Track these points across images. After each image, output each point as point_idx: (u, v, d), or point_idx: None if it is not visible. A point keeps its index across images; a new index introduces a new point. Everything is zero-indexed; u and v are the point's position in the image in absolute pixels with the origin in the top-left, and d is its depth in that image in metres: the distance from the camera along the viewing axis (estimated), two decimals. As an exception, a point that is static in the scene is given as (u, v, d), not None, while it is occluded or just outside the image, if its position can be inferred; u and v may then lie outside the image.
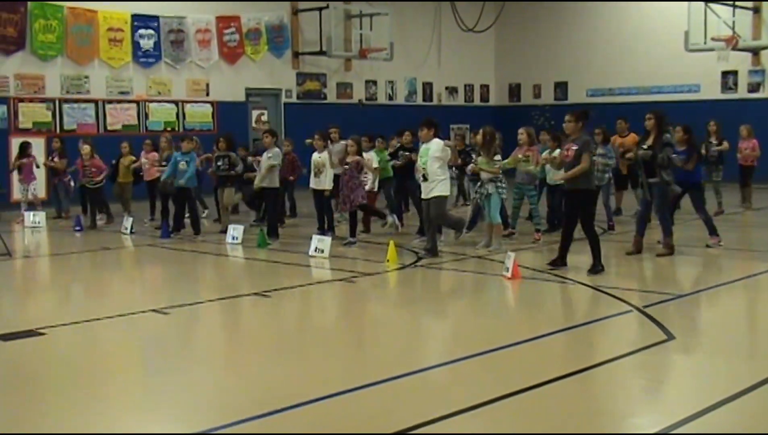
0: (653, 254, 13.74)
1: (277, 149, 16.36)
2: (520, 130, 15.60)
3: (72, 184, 19.99)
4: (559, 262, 12.70)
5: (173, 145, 18.10)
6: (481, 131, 14.95)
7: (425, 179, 13.83)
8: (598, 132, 16.19)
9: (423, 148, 14.02)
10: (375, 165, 16.58)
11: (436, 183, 13.76)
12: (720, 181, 19.31)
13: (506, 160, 15.39)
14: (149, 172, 19.11)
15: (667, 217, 13.89)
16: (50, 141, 21.55)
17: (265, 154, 16.32)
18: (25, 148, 20.40)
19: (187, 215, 17.10)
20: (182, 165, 16.93)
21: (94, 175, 18.68)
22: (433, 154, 13.71)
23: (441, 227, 15.24)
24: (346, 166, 15.25)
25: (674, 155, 14.20)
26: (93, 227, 18.43)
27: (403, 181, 17.18)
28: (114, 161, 19.80)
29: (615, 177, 17.41)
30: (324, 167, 16.14)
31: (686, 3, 27.08)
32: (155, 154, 18.99)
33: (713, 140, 19.47)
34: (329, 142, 16.69)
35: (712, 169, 19.14)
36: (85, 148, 18.86)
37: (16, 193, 21.90)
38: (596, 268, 12.26)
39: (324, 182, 16.23)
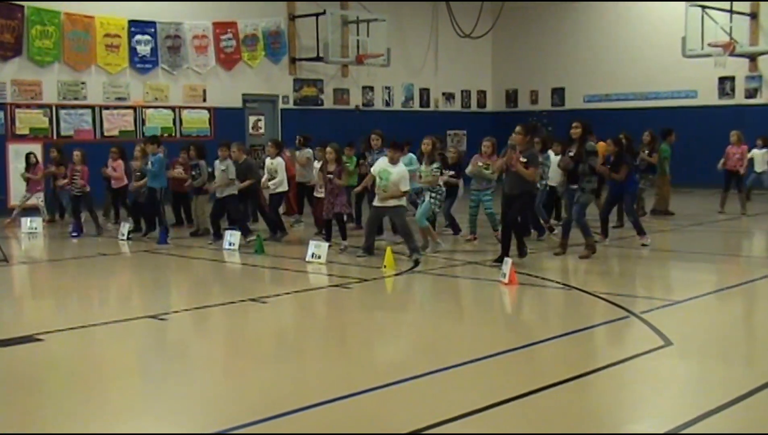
0: (648, 259, 13.75)
1: (229, 161, 16.71)
2: (485, 142, 15.83)
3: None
4: (502, 259, 12.98)
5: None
6: (428, 140, 15.29)
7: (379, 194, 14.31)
8: (538, 141, 16.14)
9: (383, 169, 14.21)
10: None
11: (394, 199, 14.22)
12: (645, 189, 19.63)
13: (468, 169, 16.05)
14: (118, 180, 19.32)
15: (584, 221, 14.28)
16: (47, 148, 21.57)
17: (218, 165, 16.89)
18: (28, 159, 20.51)
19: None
20: (150, 165, 17.43)
21: (81, 179, 18.59)
22: (394, 180, 14.06)
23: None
24: (330, 175, 15.41)
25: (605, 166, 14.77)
26: (78, 234, 18.44)
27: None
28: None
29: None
30: (276, 173, 16.96)
31: (683, 9, 27.10)
32: (121, 163, 19.13)
33: (646, 150, 19.52)
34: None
35: (642, 177, 19.26)
36: (77, 155, 18.78)
37: (14, 200, 21.95)
38: (522, 252, 13.59)
39: (277, 185, 17.04)
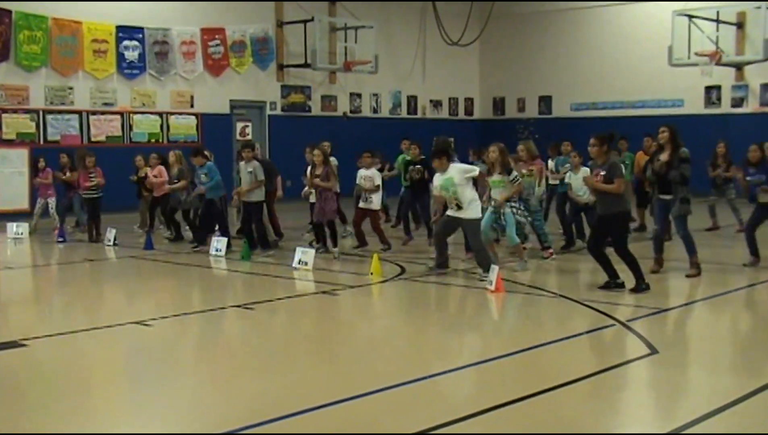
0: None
1: (255, 162, 16.17)
2: (520, 147, 15.41)
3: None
4: (612, 283, 12.15)
5: (183, 160, 18.13)
6: (495, 148, 14.13)
7: (459, 208, 12.97)
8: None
9: (444, 179, 13.03)
10: (378, 182, 16.18)
11: (471, 207, 13.01)
12: (734, 199, 18.93)
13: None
14: (159, 188, 18.57)
15: (688, 235, 13.43)
16: (33, 152, 21.50)
17: (243, 167, 16.36)
18: (36, 164, 20.24)
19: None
20: (204, 177, 16.73)
21: (99, 178, 18.48)
22: (459, 183, 12.87)
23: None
24: (317, 178, 15.27)
25: (749, 177, 14.20)
26: (97, 241, 18.17)
27: (415, 196, 17.12)
28: (134, 176, 19.63)
29: (637, 193, 17.28)
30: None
31: (670, 18, 27.20)
32: (163, 169, 18.69)
33: (720, 162, 19.28)
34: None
35: (725, 188, 19.00)
36: (91, 160, 18.63)
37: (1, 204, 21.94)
38: (640, 286, 11.89)
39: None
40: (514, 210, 13.98)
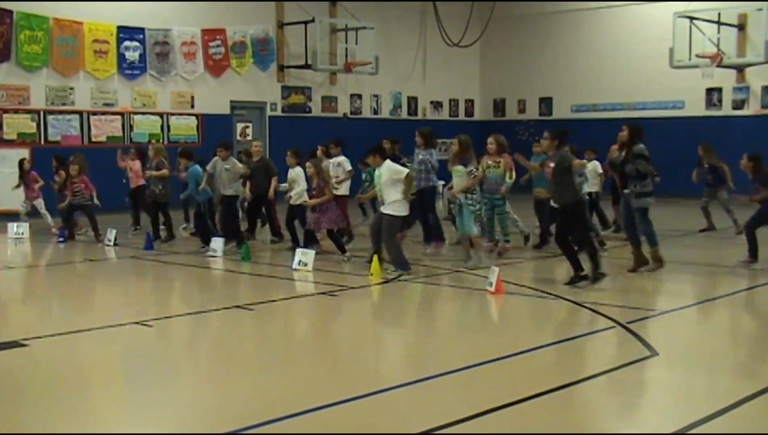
0: (639, 270, 13.73)
1: (233, 159, 16.78)
2: (489, 139, 15.51)
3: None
4: (576, 278, 12.47)
5: (163, 154, 18.30)
6: (456, 140, 14.59)
7: (383, 203, 13.76)
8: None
9: (376, 174, 14.00)
10: (348, 168, 16.83)
11: (392, 203, 13.54)
12: (728, 199, 18.72)
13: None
14: (134, 180, 18.96)
15: (648, 227, 13.64)
16: (34, 152, 21.45)
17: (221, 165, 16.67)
18: (21, 164, 20.18)
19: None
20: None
21: (84, 192, 18.42)
22: (385, 181, 13.57)
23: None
24: (313, 191, 15.26)
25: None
26: (97, 241, 18.14)
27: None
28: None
29: (612, 190, 17.31)
30: (295, 183, 16.26)
31: (671, 20, 27.19)
32: (139, 163, 18.93)
33: (705, 164, 19.24)
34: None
35: (718, 190, 18.84)
36: (74, 169, 18.59)
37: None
38: (597, 274, 12.18)
39: (300, 196, 16.12)
40: (470, 202, 14.16)
